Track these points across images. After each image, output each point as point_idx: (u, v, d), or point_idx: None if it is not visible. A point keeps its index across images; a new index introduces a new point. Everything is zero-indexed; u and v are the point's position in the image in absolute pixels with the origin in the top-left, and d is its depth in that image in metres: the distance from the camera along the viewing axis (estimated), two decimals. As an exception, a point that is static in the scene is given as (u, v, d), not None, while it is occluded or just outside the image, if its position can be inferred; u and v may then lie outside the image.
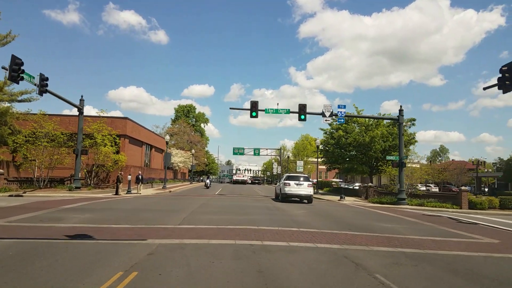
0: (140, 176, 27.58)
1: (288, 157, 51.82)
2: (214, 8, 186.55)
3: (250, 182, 71.20)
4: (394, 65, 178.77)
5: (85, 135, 27.87)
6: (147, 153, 43.26)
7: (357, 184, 47.69)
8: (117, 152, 31.85)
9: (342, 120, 25.50)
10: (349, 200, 27.12)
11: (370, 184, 29.58)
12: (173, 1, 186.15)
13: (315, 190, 33.27)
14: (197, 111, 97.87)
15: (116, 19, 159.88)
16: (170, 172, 52.23)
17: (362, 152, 29.73)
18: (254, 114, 24.83)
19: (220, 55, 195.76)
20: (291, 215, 14.63)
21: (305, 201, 23.19)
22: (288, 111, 25.46)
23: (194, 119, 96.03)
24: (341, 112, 25.08)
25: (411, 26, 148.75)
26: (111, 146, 28.79)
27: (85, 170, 28.22)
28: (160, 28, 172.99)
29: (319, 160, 32.76)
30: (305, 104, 25.22)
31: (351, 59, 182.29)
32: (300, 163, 41.14)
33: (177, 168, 55.69)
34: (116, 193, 25.47)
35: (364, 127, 29.23)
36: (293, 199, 23.43)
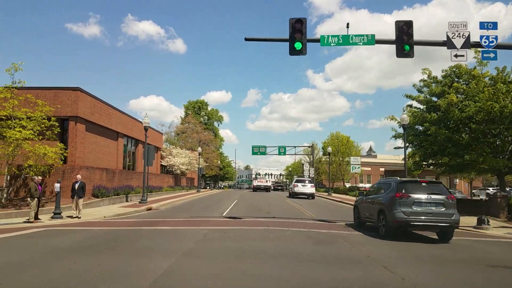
0: (77, 185, 14.70)
1: (328, 153, 38.15)
2: (230, 13, 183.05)
3: (273, 188, 57.82)
4: (417, 63, 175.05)
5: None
6: (130, 150, 30.51)
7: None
8: (66, 147, 19.33)
9: (493, 56, 11.95)
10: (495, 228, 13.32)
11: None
12: (189, 8, 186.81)
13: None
14: (209, 108, 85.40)
15: (135, 30, 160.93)
16: (169, 177, 39.50)
17: (493, 132, 15.95)
18: (298, 46, 11.81)
19: (237, 60, 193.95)
20: None
21: (310, 197, 31.49)
22: (372, 40, 12.11)
23: (206, 117, 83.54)
24: (488, 37, 11.57)
25: (434, 23, 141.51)
26: (40, 133, 16.06)
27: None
28: (178, 36, 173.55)
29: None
30: (410, 22, 11.87)
31: (371, 59, 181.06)
32: (355, 160, 27.55)
33: (178, 171, 42.89)
34: (31, 219, 12.95)
35: (502, 85, 15.34)
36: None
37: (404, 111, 20.47)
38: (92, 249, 7.80)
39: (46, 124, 16.43)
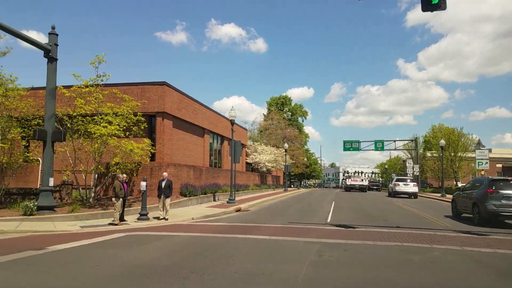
0: (164, 183, 13.51)
1: (441, 147, 32.84)
2: (311, 4, 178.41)
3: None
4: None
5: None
6: (215, 147, 29.67)
7: None
8: (153, 144, 18.77)
9: None
10: None
11: None
12: (269, 6, 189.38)
13: None
14: (293, 103, 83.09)
15: (218, 34, 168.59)
16: (254, 175, 38.17)
17: None
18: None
19: (319, 54, 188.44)
20: None
21: (412, 196, 31.07)
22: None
23: (290, 113, 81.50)
24: None
25: None
26: (127, 129, 15.34)
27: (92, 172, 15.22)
28: (259, 36, 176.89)
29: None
30: None
31: (471, 44, 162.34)
32: (482, 154, 22.79)
33: (264, 169, 41.35)
34: (116, 221, 11.97)
35: None
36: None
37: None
38: (176, 271, 5.90)
39: (132, 120, 15.64)
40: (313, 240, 8.96)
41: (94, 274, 5.74)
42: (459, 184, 43.25)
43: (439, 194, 33.16)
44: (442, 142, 32.93)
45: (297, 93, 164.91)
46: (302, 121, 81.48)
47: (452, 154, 41.67)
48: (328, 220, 13.40)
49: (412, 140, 46.43)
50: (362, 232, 10.55)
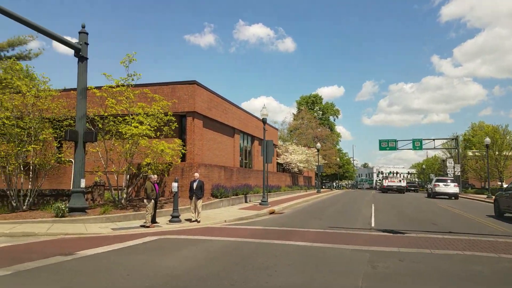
0: (195, 184, 13.03)
1: (486, 146, 30.73)
2: (341, 2, 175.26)
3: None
4: None
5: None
6: (246, 147, 29.11)
7: None
8: (184, 144, 18.46)
9: None
10: None
11: None
12: (298, 5, 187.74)
13: None
14: (324, 102, 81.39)
15: (246, 35, 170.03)
16: (286, 176, 37.34)
17: None
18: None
19: (349, 52, 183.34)
20: None
21: (453, 197, 30.36)
22: None
23: (320, 112, 79.93)
24: None
25: None
26: (158, 129, 15.00)
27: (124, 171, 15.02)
28: (287, 35, 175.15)
29: None
30: None
31: (511, 38, 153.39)
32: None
33: (296, 169, 40.40)
34: (147, 223, 11.61)
35: None
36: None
37: None
38: (214, 283, 5.28)
39: (163, 120, 15.31)
40: (361, 248, 8.11)
41: (123, 286, 5.21)
42: (504, 185, 40.61)
43: (484, 196, 31.05)
44: (488, 140, 30.81)
45: (327, 92, 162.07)
46: (334, 120, 79.73)
47: (497, 153, 39.10)
48: (372, 225, 12.42)
49: (452, 139, 44.04)
50: (414, 238, 9.55)
